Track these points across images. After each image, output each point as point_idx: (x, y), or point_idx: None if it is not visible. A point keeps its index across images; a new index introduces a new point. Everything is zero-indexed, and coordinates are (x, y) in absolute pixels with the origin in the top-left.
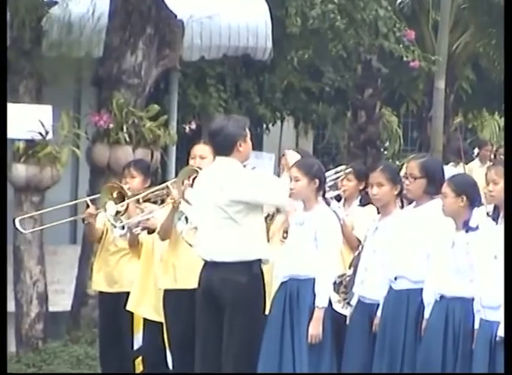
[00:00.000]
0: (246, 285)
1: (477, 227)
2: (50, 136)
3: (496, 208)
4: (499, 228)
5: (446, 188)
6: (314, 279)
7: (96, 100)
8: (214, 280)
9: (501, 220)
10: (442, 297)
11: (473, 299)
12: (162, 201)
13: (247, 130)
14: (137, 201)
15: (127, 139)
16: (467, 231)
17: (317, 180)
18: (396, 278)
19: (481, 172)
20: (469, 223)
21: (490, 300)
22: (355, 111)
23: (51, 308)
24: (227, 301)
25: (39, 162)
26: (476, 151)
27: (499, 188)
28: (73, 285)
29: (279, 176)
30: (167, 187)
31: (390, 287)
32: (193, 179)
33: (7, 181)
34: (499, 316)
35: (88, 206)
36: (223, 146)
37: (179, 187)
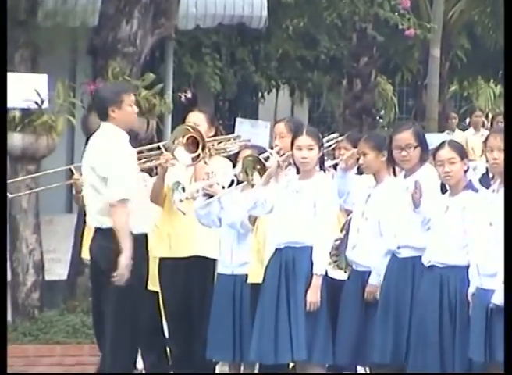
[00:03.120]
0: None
1: (476, 190)
2: (46, 105)
3: (494, 176)
4: (496, 196)
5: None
6: (310, 247)
7: (91, 69)
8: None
9: (498, 188)
10: (434, 265)
11: (467, 267)
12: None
13: (126, 96)
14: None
15: None
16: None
17: (322, 149)
18: (399, 247)
19: (474, 139)
20: (470, 185)
21: (486, 268)
22: (350, 79)
23: (48, 277)
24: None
25: (35, 130)
26: (468, 120)
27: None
28: (69, 254)
29: (271, 146)
30: (159, 147)
31: (393, 255)
32: (188, 138)
33: (7, 181)
34: (495, 283)
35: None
36: (97, 110)
37: (171, 145)
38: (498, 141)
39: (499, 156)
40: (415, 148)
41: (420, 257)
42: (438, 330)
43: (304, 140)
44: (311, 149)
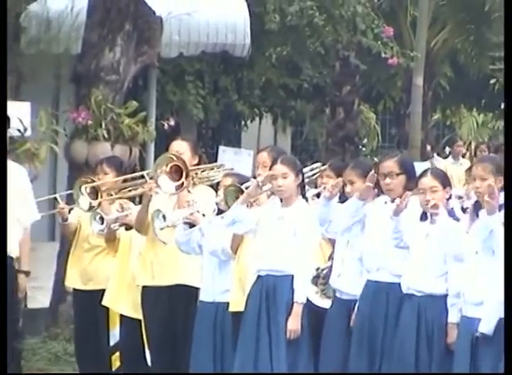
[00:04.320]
0: None
1: (458, 219)
2: (28, 133)
3: (477, 203)
4: (480, 224)
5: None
6: (291, 275)
7: (74, 96)
8: None
9: (482, 216)
10: (412, 294)
11: (446, 296)
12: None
13: None
14: (113, 197)
15: (105, 135)
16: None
17: (300, 176)
18: (377, 269)
19: (453, 168)
20: (452, 213)
21: (472, 296)
22: (333, 107)
23: (30, 305)
24: None
25: (18, 158)
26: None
27: (486, 185)
28: (52, 282)
29: (254, 175)
30: (142, 176)
31: (368, 280)
32: (171, 167)
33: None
34: (480, 312)
35: (58, 203)
36: None
37: (154, 174)
38: (480, 171)
39: (481, 185)
40: (398, 175)
41: (396, 284)
42: (414, 358)
43: (279, 168)
44: (285, 177)
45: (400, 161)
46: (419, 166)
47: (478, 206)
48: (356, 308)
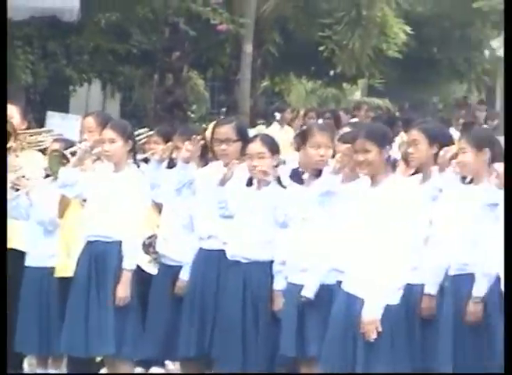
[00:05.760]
0: None
1: (284, 186)
2: None
3: (296, 170)
4: (309, 191)
5: None
6: (121, 241)
7: None
8: None
9: (309, 182)
10: (239, 261)
11: (271, 262)
12: None
13: None
14: None
15: None
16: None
17: (131, 142)
18: (209, 237)
19: (281, 135)
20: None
21: (296, 263)
22: (162, 73)
23: None
24: None
25: None
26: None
27: (373, 155)
28: None
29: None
30: None
31: (200, 248)
32: None
33: (7, 181)
34: (305, 278)
35: None
36: None
37: None
38: (325, 139)
39: (326, 153)
40: (234, 142)
41: (225, 251)
42: (241, 325)
43: (106, 133)
44: (113, 142)
45: (237, 127)
46: (250, 133)
47: (298, 173)
48: (181, 274)
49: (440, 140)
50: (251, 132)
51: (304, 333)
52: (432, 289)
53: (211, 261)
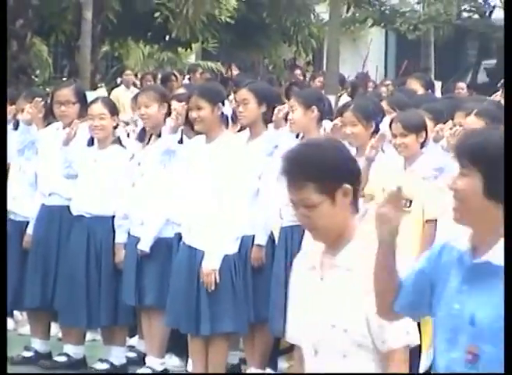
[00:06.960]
0: None
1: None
2: None
3: (143, 129)
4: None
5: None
6: None
7: None
8: None
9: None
10: (82, 216)
11: (113, 217)
12: None
13: None
14: None
15: None
16: None
17: None
18: (50, 194)
19: (125, 96)
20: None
21: (135, 218)
22: (7, 40)
23: None
24: None
25: None
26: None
27: (205, 112)
28: None
29: None
30: None
31: (42, 204)
32: None
33: (7, 181)
34: (142, 231)
35: None
36: None
37: None
38: (151, 99)
39: (146, 111)
40: (73, 104)
41: (67, 207)
42: (85, 278)
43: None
44: None
45: (76, 90)
46: (90, 96)
47: (143, 133)
48: (28, 229)
49: (268, 99)
50: (93, 94)
51: (142, 284)
52: (261, 240)
53: (53, 216)
